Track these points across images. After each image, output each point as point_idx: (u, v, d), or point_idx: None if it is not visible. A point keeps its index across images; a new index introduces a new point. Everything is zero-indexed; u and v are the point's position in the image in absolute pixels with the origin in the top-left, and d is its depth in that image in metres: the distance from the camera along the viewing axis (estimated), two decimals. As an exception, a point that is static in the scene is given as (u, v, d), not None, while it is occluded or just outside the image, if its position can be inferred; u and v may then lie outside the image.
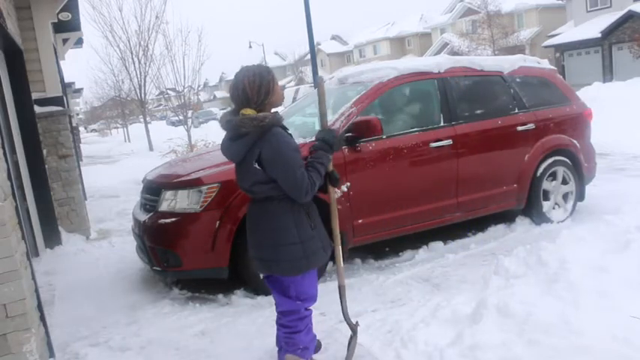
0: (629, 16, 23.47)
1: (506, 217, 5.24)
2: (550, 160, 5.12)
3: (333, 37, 58.15)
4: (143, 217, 4.26)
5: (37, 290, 3.04)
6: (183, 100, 14.84)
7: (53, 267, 5.15)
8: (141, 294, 4.28)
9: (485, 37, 32.07)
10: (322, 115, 2.80)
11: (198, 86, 16.44)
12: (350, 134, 4.22)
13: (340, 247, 2.83)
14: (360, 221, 4.29)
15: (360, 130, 4.19)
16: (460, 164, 4.64)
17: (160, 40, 18.01)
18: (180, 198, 3.97)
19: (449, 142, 4.59)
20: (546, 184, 5.17)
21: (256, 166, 2.42)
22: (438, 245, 4.82)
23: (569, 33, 27.51)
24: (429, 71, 4.77)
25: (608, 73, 24.31)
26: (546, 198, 5.22)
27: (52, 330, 3.26)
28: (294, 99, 34.64)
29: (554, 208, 5.28)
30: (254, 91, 2.42)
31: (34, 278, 3.03)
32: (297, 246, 2.49)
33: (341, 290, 2.88)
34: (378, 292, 3.91)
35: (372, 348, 2.90)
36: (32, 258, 3.45)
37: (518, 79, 5.17)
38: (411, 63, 4.97)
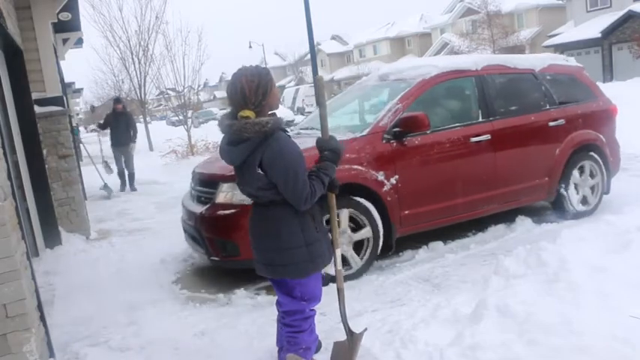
0: (629, 16, 23.49)
1: (506, 217, 5.24)
2: (578, 155, 5.31)
3: (333, 37, 58.12)
4: (198, 208, 4.31)
5: (37, 290, 3.04)
6: (183, 100, 14.86)
7: (53, 267, 5.15)
8: (141, 294, 4.28)
9: (485, 37, 32.11)
10: (323, 119, 2.73)
11: (198, 86, 16.47)
12: (397, 129, 4.39)
13: (339, 250, 2.83)
14: (406, 212, 4.44)
15: (408, 126, 4.37)
16: (497, 158, 4.85)
17: (160, 40, 18.04)
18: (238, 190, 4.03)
19: (487, 137, 4.78)
20: (575, 178, 5.33)
21: (259, 171, 2.38)
22: (438, 245, 4.82)
23: (569, 33, 27.55)
24: (467, 69, 4.98)
25: (608, 73, 24.33)
26: (575, 191, 5.38)
27: (52, 330, 3.26)
28: (294, 99, 34.71)
29: (581, 201, 5.44)
30: (252, 91, 2.36)
31: (34, 278, 3.03)
32: (303, 249, 2.47)
33: (340, 294, 2.88)
34: (378, 292, 3.91)
35: (372, 348, 2.90)
36: (32, 258, 3.45)
37: (548, 77, 5.37)
38: (450, 61, 5.22)
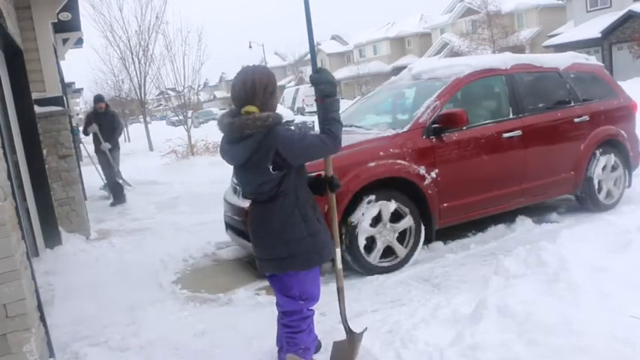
0: (629, 16, 23.50)
1: (506, 217, 5.24)
2: (602, 150, 5.49)
3: (333, 37, 58.11)
4: (243, 203, 4.31)
5: (37, 290, 3.04)
6: (183, 100, 14.85)
7: (53, 267, 5.15)
8: (141, 294, 4.28)
9: (485, 37, 32.11)
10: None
11: (198, 86, 16.46)
12: (437, 125, 4.57)
13: (339, 248, 2.83)
14: (445, 205, 4.61)
15: (448, 122, 4.55)
16: (527, 153, 5.04)
17: (160, 40, 18.03)
18: None
19: (518, 132, 4.97)
20: (598, 172, 5.49)
21: (270, 166, 2.39)
22: (438, 245, 4.83)
23: (569, 33, 27.56)
24: (498, 67, 5.17)
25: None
26: (599, 185, 5.54)
27: (52, 330, 3.26)
28: (294, 99, 34.66)
29: (606, 195, 5.60)
30: (262, 88, 2.43)
31: (34, 278, 3.03)
32: (307, 240, 2.50)
33: (339, 293, 2.88)
34: (378, 292, 3.91)
35: (372, 348, 2.90)
36: (32, 258, 3.45)
37: (572, 75, 5.58)
38: (481, 60, 5.48)
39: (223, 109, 42.49)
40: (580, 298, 2.62)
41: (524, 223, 5.20)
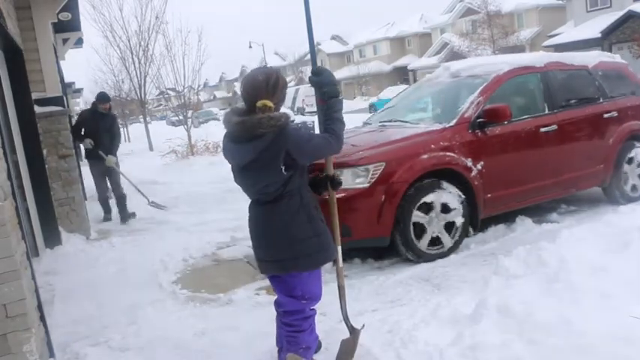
0: (629, 16, 23.49)
1: (506, 217, 5.24)
2: (629, 144, 5.71)
3: (333, 37, 58.09)
4: None
5: (37, 290, 3.04)
6: (183, 100, 14.85)
7: (53, 267, 5.15)
8: (141, 294, 4.28)
9: (485, 37, 32.11)
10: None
11: (198, 86, 16.47)
12: (481, 120, 4.80)
13: (340, 247, 2.83)
14: (488, 196, 4.81)
15: (492, 116, 4.79)
16: (562, 147, 5.27)
17: (160, 40, 18.03)
18: (349, 176, 4.36)
19: (554, 127, 5.20)
20: (625, 166, 5.70)
21: (282, 167, 2.38)
22: (438, 245, 4.82)
23: (569, 33, 27.53)
24: (534, 65, 5.44)
25: (608, 73, 24.26)
26: (625, 178, 5.75)
27: (52, 330, 3.26)
28: (294, 99, 34.70)
29: (631, 189, 5.79)
30: (280, 86, 2.47)
31: (34, 278, 3.03)
32: (314, 240, 2.50)
33: (340, 291, 2.88)
34: (378, 292, 3.91)
35: (372, 348, 2.90)
36: (32, 258, 3.45)
37: (600, 72, 5.84)
38: (517, 58, 5.82)
39: (223, 109, 42.52)
40: (580, 298, 2.62)
41: (524, 223, 5.20)
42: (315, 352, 2.84)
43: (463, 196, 4.59)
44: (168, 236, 6.15)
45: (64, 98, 6.81)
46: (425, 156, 4.50)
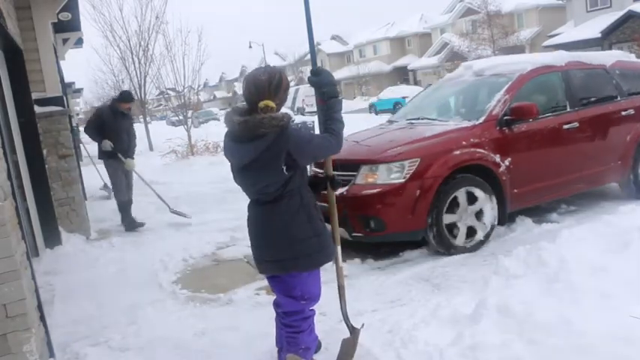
0: (629, 16, 23.48)
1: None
2: None
3: (333, 37, 58.08)
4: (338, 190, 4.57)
5: (37, 290, 3.04)
6: (183, 100, 14.86)
7: (53, 267, 5.15)
8: (141, 294, 4.28)
9: (485, 37, 32.11)
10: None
11: (198, 86, 16.47)
12: (508, 117, 4.94)
13: (340, 246, 2.83)
14: (515, 191, 4.95)
15: (519, 114, 4.93)
16: (584, 143, 5.43)
17: (160, 40, 18.02)
18: (384, 171, 4.53)
19: (575, 124, 5.34)
20: None
21: (284, 167, 2.38)
22: (438, 245, 4.82)
23: (569, 33, 27.52)
24: (555, 64, 5.58)
25: (608, 73, 24.25)
26: None
27: (52, 330, 3.26)
28: (294, 99, 34.69)
29: None
30: (282, 86, 2.47)
31: (34, 278, 3.03)
32: (314, 240, 2.50)
33: (340, 291, 2.88)
34: (378, 292, 3.91)
35: (372, 348, 2.90)
36: (32, 258, 3.45)
37: (617, 71, 5.97)
38: (539, 57, 5.93)
39: (223, 109, 42.52)
40: (580, 298, 2.62)
41: (524, 223, 5.21)
42: (315, 352, 2.84)
43: (493, 192, 4.72)
44: (168, 236, 6.15)
45: (64, 98, 6.80)
46: (457, 152, 4.63)
